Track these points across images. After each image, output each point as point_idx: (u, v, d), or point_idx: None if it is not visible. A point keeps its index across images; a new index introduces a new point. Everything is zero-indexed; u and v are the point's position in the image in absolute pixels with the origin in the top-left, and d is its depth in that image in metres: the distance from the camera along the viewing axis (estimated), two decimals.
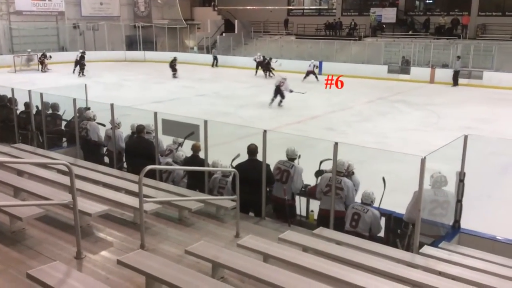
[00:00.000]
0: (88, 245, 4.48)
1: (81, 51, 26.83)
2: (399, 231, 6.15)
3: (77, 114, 8.97)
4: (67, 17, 33.49)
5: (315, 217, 6.74)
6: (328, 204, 6.07)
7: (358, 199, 6.21)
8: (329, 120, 16.16)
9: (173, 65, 26.50)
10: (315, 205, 6.82)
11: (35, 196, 5.21)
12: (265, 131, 6.15)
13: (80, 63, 25.90)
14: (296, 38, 33.91)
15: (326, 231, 5.57)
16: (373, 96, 21.02)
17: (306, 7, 37.12)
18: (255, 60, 27.80)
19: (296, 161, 6.71)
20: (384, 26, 31.13)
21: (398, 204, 6.20)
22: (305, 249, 4.74)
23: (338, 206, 6.07)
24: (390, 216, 6.27)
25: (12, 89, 9.98)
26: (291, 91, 17.94)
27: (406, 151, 9.29)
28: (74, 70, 26.09)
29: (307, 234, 5.33)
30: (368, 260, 4.40)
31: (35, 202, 4.90)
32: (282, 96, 17.90)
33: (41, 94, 9.34)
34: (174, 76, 26.29)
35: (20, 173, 6.37)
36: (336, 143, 5.69)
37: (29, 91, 9.60)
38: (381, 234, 6.17)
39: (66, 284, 3.32)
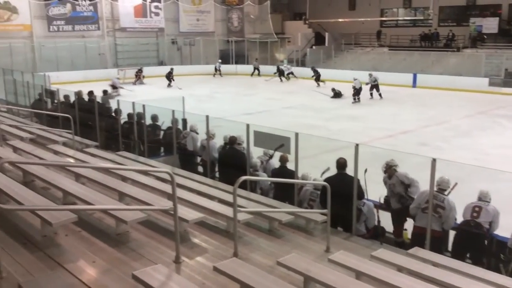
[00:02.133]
0: (185, 250, 4.67)
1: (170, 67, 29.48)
2: (502, 256, 5.73)
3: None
4: (166, 33, 35.60)
5: (409, 235, 6.49)
6: (424, 222, 5.82)
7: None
8: (422, 135, 15.48)
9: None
10: (409, 223, 6.58)
11: (137, 201, 5.56)
12: (357, 145, 6.07)
13: (168, 77, 28.32)
14: (389, 49, 33.02)
15: (421, 251, 5.33)
16: (472, 110, 19.83)
17: (400, 18, 36.02)
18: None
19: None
20: (485, 36, 29.32)
21: (502, 226, 5.79)
22: (400, 268, 4.58)
23: (435, 226, 5.79)
24: (492, 239, 5.87)
25: (118, 101, 10.76)
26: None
27: (509, 169, 8.63)
28: (169, 84, 28.11)
29: (401, 254, 5.15)
30: (468, 285, 4.16)
31: (138, 207, 5.23)
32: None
33: (144, 106, 9.99)
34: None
35: (124, 179, 6.84)
36: (434, 159, 5.45)
37: (133, 103, 10.27)
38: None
39: (167, 287, 3.51)
